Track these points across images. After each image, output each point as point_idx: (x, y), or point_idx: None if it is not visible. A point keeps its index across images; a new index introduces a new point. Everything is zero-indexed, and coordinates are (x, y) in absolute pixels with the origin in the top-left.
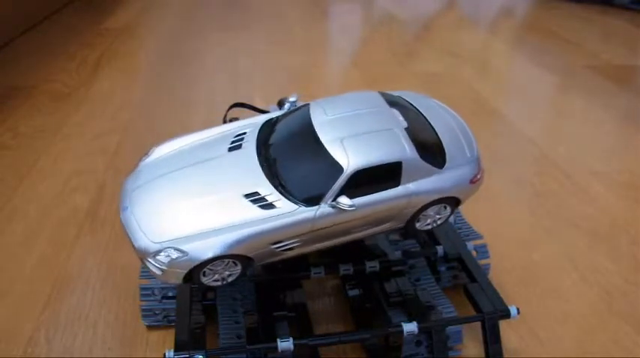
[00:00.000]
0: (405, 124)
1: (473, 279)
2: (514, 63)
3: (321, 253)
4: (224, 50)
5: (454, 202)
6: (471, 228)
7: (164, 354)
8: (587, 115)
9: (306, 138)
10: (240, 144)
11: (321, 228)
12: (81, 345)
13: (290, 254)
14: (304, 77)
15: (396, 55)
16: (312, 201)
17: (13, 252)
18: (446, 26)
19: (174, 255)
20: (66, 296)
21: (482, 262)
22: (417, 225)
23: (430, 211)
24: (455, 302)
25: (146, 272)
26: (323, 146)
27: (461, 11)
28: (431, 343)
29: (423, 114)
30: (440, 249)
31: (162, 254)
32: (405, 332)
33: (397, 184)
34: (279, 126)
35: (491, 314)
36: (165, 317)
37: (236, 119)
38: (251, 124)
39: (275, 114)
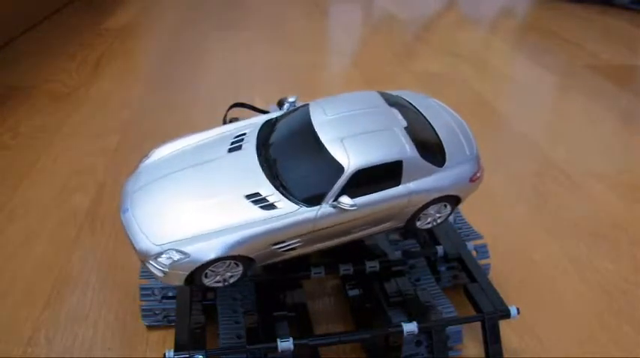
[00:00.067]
0: (404, 123)
1: (473, 279)
2: (514, 63)
3: (321, 253)
4: (224, 50)
5: (454, 200)
6: (471, 228)
7: (164, 354)
8: (587, 115)
9: (307, 139)
10: (240, 145)
11: (323, 228)
12: (81, 345)
13: (291, 254)
14: (304, 77)
15: (396, 55)
16: (313, 201)
17: (13, 252)
18: (446, 26)
19: (176, 256)
20: (66, 296)
21: (483, 262)
22: (418, 223)
23: (431, 210)
24: (455, 302)
25: (146, 272)
26: (323, 146)
27: (461, 11)
28: (431, 343)
29: (422, 114)
30: (440, 249)
31: (163, 256)
32: (405, 332)
33: (398, 183)
34: (279, 127)
35: (491, 314)
36: (165, 317)
37: (236, 119)
38: (250, 125)
39: (274, 114)
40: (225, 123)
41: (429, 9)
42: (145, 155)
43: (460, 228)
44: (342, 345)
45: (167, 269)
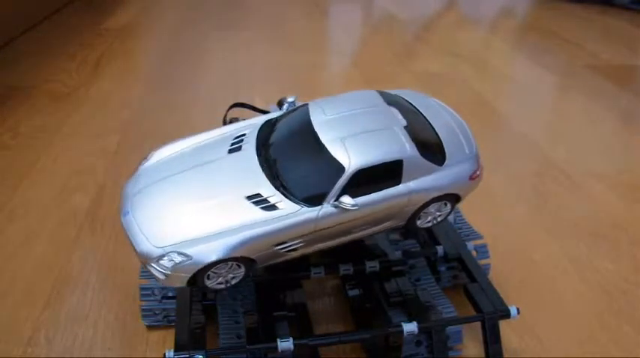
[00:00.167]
0: (404, 123)
1: (473, 279)
2: (514, 63)
3: (321, 253)
4: (224, 50)
5: (454, 199)
6: (471, 227)
7: (164, 354)
8: (587, 115)
9: (307, 139)
10: (240, 146)
11: (324, 228)
12: (81, 345)
13: (293, 255)
14: (304, 77)
15: (396, 55)
16: (314, 201)
17: (13, 252)
18: (446, 26)
19: (178, 259)
20: (66, 296)
21: (483, 262)
22: (418, 222)
23: (431, 208)
24: (455, 302)
25: (146, 273)
26: (324, 146)
27: (461, 11)
28: (431, 343)
29: (421, 113)
30: (440, 249)
31: (165, 258)
32: (405, 332)
33: (398, 182)
34: (279, 127)
35: (491, 314)
36: (165, 317)
37: (236, 119)
38: (250, 125)
39: (274, 115)
40: (225, 123)
41: (429, 9)
42: (144, 157)
43: (460, 228)
44: (342, 345)
45: (169, 272)
